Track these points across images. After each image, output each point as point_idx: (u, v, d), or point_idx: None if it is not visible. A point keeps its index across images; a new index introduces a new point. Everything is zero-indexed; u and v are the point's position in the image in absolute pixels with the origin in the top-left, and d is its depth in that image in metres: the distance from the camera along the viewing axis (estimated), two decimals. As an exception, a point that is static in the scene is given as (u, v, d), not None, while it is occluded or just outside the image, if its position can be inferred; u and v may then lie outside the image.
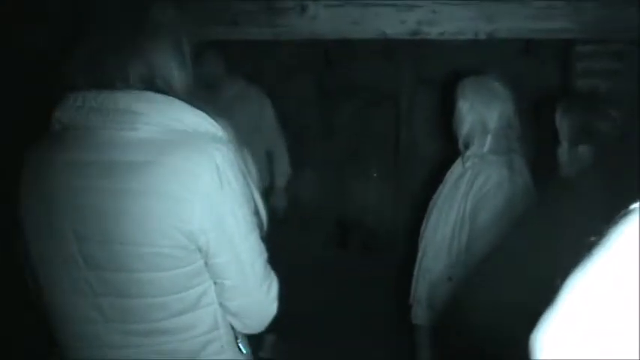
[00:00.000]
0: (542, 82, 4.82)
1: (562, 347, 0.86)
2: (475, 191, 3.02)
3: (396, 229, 6.31)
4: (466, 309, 2.84)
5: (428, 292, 3.22)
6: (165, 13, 1.70)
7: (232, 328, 1.78)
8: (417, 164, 6.21)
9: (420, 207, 3.47)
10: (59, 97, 1.69)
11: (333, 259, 6.34)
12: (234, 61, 4.61)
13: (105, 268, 1.61)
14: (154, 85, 1.64)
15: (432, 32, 3.90)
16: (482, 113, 3.08)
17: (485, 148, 3.08)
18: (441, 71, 5.64)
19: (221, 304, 1.72)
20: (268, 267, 1.75)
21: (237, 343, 1.80)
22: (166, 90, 1.65)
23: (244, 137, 1.82)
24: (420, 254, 3.28)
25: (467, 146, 3.13)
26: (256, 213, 1.74)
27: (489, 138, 3.08)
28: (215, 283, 1.69)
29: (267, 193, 3.57)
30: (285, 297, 1.80)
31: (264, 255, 1.74)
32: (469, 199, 3.04)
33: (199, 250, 1.62)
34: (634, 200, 0.94)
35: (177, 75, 1.69)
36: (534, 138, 3.34)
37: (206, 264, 1.65)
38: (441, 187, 3.28)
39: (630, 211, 0.92)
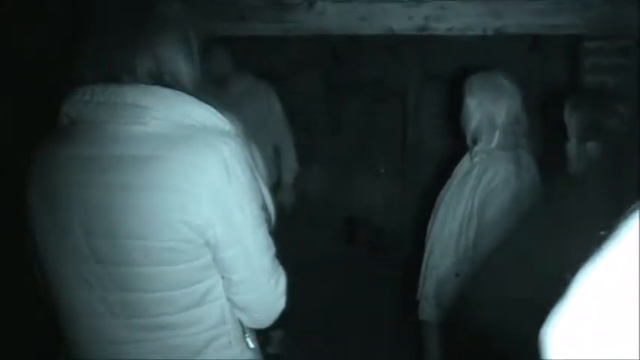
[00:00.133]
0: (550, 79, 4.81)
1: (572, 342, 0.86)
2: (483, 187, 3.02)
3: (403, 225, 6.30)
4: (474, 305, 2.84)
5: (435, 289, 3.22)
6: (172, 8, 1.70)
7: (240, 322, 1.78)
8: (424, 160, 6.21)
9: (427, 203, 3.46)
10: (66, 92, 1.69)
11: (340, 256, 6.34)
12: (241, 57, 4.61)
13: (112, 263, 1.61)
14: (162, 79, 1.65)
15: (440, 28, 3.90)
16: (490, 109, 3.08)
17: (493, 144, 3.08)
18: (448, 67, 5.64)
19: (229, 299, 1.72)
20: (276, 261, 1.75)
21: (244, 338, 1.79)
22: (174, 84, 1.65)
23: (252, 133, 1.82)
24: (427, 250, 3.28)
25: (474, 142, 3.13)
26: (264, 207, 1.74)
27: (497, 134, 3.08)
28: (223, 277, 1.69)
29: (274, 189, 3.57)
30: (292, 293, 1.80)
31: (272, 249, 1.74)
32: (477, 195, 3.04)
33: (207, 244, 1.61)
34: (642, 195, 0.94)
35: (184, 69, 1.69)
36: (542, 134, 3.34)
37: (214, 258, 1.65)
38: (448, 182, 3.28)
39: None
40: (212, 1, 3.78)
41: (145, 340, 1.68)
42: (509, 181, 2.99)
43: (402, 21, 3.88)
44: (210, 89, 1.76)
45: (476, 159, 3.10)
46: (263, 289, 1.72)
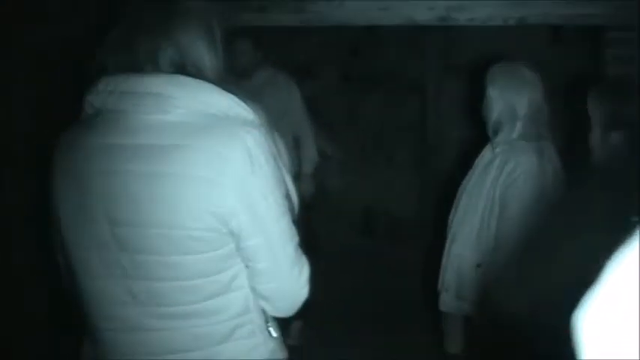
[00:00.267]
0: (571, 69, 4.79)
1: (604, 327, 0.86)
2: (504, 178, 3.02)
3: (422, 216, 6.29)
4: (496, 296, 2.84)
5: (456, 280, 3.21)
6: None
7: (263, 312, 1.78)
8: (443, 152, 6.20)
9: (446, 194, 3.46)
10: (90, 82, 1.70)
11: (359, 247, 6.35)
12: (262, 48, 4.61)
13: (137, 251, 1.62)
14: (185, 69, 1.65)
15: (461, 18, 3.87)
16: (512, 100, 3.07)
17: (515, 135, 3.08)
18: (467, 58, 5.62)
19: (252, 288, 1.72)
20: (299, 251, 1.75)
21: (267, 327, 1.80)
22: (197, 74, 1.66)
23: (274, 123, 1.82)
24: (448, 241, 3.28)
25: (496, 133, 3.13)
26: (287, 196, 1.74)
27: (519, 124, 3.08)
28: (246, 266, 1.69)
29: (294, 179, 3.59)
30: (314, 283, 1.80)
31: (296, 239, 1.74)
32: (498, 186, 3.03)
33: (231, 233, 1.62)
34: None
35: (207, 59, 1.69)
36: (563, 124, 3.32)
37: (237, 247, 1.65)
38: (470, 173, 3.27)
39: None
40: (233, -9, 3.78)
41: (169, 329, 1.69)
42: (531, 171, 2.98)
43: (423, 11, 3.86)
44: (232, 79, 1.76)
45: (497, 150, 3.10)
46: (286, 278, 1.72)
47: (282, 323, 1.87)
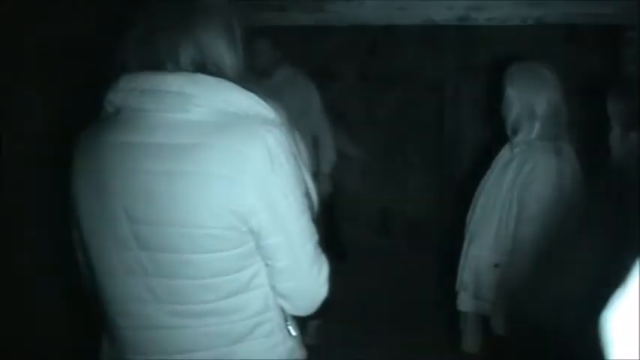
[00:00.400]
0: (589, 69, 4.77)
1: (633, 326, 0.86)
2: (523, 178, 3.00)
3: (440, 216, 6.28)
4: (519, 296, 2.84)
5: (474, 280, 3.20)
6: None
7: (282, 310, 1.78)
8: (461, 152, 6.18)
9: (464, 195, 3.45)
10: (111, 80, 1.71)
11: (376, 247, 6.35)
12: (280, 47, 4.62)
13: (157, 250, 1.63)
14: (205, 68, 1.66)
15: (480, 18, 3.87)
16: (531, 99, 3.06)
17: (534, 135, 3.06)
18: (485, 58, 5.61)
19: (272, 286, 1.73)
20: (319, 249, 1.75)
21: (286, 326, 1.80)
22: (217, 73, 1.66)
23: (293, 122, 1.83)
24: (466, 241, 3.27)
25: (515, 133, 3.12)
26: (307, 195, 1.75)
27: (537, 124, 3.06)
28: (266, 264, 1.70)
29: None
30: (332, 283, 1.80)
31: (315, 237, 1.74)
32: (516, 186, 3.02)
33: (251, 231, 1.62)
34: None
35: (228, 58, 1.70)
36: (582, 124, 3.31)
37: (257, 245, 1.66)
38: (488, 173, 3.26)
39: None
40: (253, -9, 3.79)
41: (189, 327, 1.69)
42: (550, 172, 2.97)
43: (441, 11, 3.85)
44: (252, 79, 1.76)
45: (516, 150, 3.09)
46: (306, 276, 1.72)
47: (300, 322, 1.88)
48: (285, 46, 4.72)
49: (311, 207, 1.76)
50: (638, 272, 0.88)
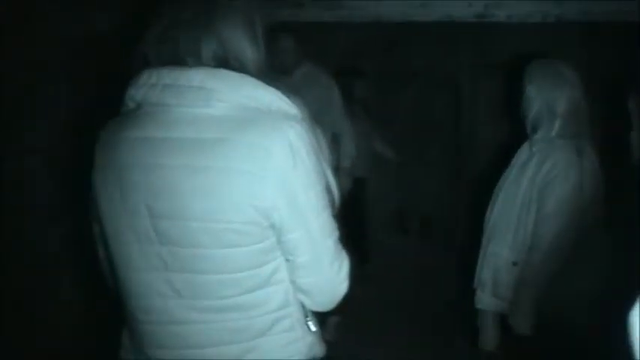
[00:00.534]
0: (609, 67, 4.74)
1: None
2: (542, 176, 2.99)
3: (456, 214, 6.27)
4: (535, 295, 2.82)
5: (492, 277, 3.20)
6: None
7: (302, 306, 1.78)
8: (478, 150, 6.17)
9: (481, 193, 3.44)
10: (133, 75, 1.71)
11: (393, 244, 6.34)
12: (301, 44, 4.63)
13: (178, 244, 1.62)
14: (227, 63, 1.65)
15: (500, 15, 3.86)
16: (551, 97, 3.05)
17: (553, 133, 3.05)
18: (503, 55, 5.59)
19: (292, 282, 1.72)
20: (340, 245, 1.75)
21: (306, 322, 1.80)
22: (239, 68, 1.66)
23: (314, 118, 1.82)
24: (485, 239, 3.26)
25: (534, 130, 3.10)
26: (328, 190, 1.74)
27: (557, 122, 3.05)
28: (287, 260, 1.70)
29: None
30: (351, 279, 1.80)
31: (336, 233, 1.73)
32: (536, 184, 3.01)
33: (272, 226, 1.62)
34: None
35: (249, 53, 1.69)
36: (602, 122, 3.29)
37: (278, 241, 1.66)
38: (507, 170, 3.25)
39: None
40: (271, -13, 3.79)
41: (210, 322, 1.69)
42: (570, 170, 2.96)
43: (461, 8, 3.85)
44: (273, 75, 1.76)
45: (535, 148, 3.07)
46: (326, 272, 1.72)
47: (319, 318, 1.87)
48: (303, 43, 4.73)
49: (332, 202, 1.75)
50: None
